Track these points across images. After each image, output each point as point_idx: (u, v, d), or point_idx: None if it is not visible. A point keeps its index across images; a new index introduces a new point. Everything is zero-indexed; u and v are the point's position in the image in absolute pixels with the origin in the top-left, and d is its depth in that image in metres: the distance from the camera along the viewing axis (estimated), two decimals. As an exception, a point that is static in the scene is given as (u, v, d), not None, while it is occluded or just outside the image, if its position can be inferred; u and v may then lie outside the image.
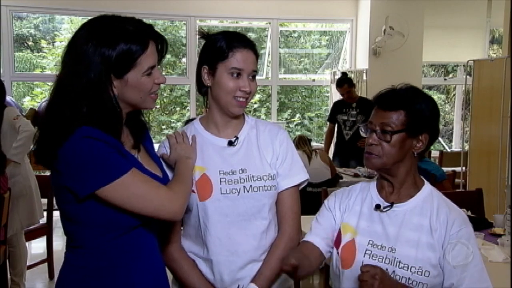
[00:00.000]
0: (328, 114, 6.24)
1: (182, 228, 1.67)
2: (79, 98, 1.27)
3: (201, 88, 1.63)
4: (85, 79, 1.27)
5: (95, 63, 1.26)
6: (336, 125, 5.87)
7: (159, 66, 1.39)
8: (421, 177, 1.59)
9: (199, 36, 1.60)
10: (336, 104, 5.95)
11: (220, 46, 1.55)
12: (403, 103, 1.48)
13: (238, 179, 1.57)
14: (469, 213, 3.10)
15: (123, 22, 1.31)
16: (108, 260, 1.35)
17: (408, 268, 1.45)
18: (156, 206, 1.30)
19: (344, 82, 5.67)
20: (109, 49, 1.27)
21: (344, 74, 6.01)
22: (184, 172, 1.47)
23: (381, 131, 1.48)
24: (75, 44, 1.30)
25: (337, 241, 1.58)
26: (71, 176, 1.26)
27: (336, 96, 7.10)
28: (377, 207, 1.55)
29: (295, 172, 1.65)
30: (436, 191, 1.58)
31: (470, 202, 3.32)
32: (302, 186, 1.69)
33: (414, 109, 1.48)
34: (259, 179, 1.59)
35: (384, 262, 1.48)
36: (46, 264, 4.13)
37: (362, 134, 1.57)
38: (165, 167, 1.56)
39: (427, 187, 1.57)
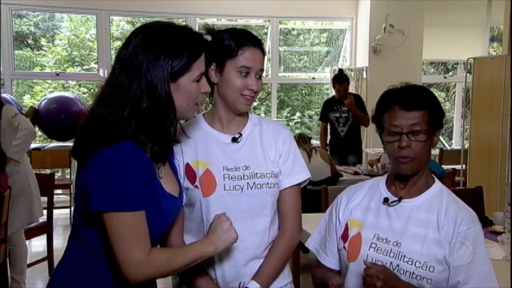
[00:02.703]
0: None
1: None
2: (138, 98, 1.29)
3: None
4: (144, 82, 1.30)
5: (154, 67, 1.30)
6: (329, 124, 5.88)
7: None
8: (432, 175, 1.60)
9: (205, 32, 1.59)
10: (327, 103, 5.96)
11: (229, 43, 1.54)
12: (426, 103, 1.49)
13: (241, 175, 1.57)
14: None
15: (179, 29, 1.37)
16: (112, 267, 1.34)
17: (412, 262, 1.47)
18: (123, 258, 1.26)
19: (345, 79, 5.63)
20: (167, 54, 1.31)
21: (341, 71, 5.95)
22: (194, 254, 1.35)
23: (411, 132, 1.47)
24: (132, 49, 1.32)
25: (344, 236, 1.60)
26: (93, 183, 1.27)
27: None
28: (386, 200, 1.56)
29: (297, 171, 1.65)
30: (446, 189, 1.59)
31: (470, 200, 3.30)
32: (304, 184, 1.69)
33: (435, 108, 1.50)
34: (262, 176, 1.59)
35: (389, 255, 1.49)
36: (46, 262, 4.13)
37: (383, 138, 1.53)
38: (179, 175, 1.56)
39: (437, 185, 1.58)
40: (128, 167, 1.26)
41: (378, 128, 1.56)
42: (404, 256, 1.47)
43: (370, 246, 1.52)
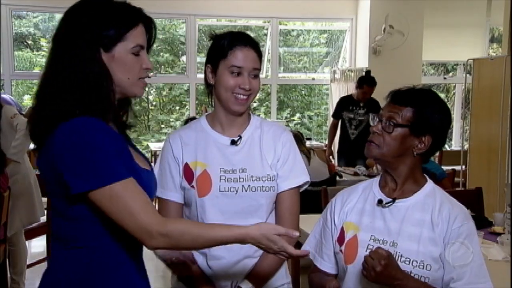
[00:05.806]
0: (328, 111, 6.16)
1: None
2: (70, 71, 1.26)
3: (207, 86, 1.66)
4: (77, 52, 1.26)
5: (85, 35, 1.27)
6: (340, 122, 5.74)
7: (152, 59, 1.37)
8: (424, 175, 1.61)
9: (209, 39, 1.64)
10: (343, 100, 5.78)
11: (222, 44, 1.58)
12: (414, 101, 1.52)
13: (237, 178, 1.59)
14: (469, 211, 3.10)
15: (110, 1, 1.33)
16: (113, 257, 1.30)
17: (409, 262, 1.48)
18: (136, 226, 1.18)
19: (375, 83, 5.40)
20: (98, 22, 1.29)
21: (369, 72, 5.69)
22: (226, 238, 1.27)
23: (386, 122, 1.51)
24: (64, 25, 1.32)
25: (340, 239, 1.61)
26: (69, 165, 1.20)
27: (335, 94, 7.10)
28: (380, 202, 1.57)
29: (295, 174, 1.66)
30: (439, 188, 1.61)
31: (470, 200, 3.31)
32: (304, 188, 1.70)
33: (423, 110, 1.51)
34: (258, 180, 1.60)
35: None
36: (46, 263, 4.12)
37: (371, 122, 1.59)
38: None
39: (430, 184, 1.59)
40: (99, 140, 1.21)
41: None
42: (401, 256, 1.48)
43: (367, 248, 1.53)
